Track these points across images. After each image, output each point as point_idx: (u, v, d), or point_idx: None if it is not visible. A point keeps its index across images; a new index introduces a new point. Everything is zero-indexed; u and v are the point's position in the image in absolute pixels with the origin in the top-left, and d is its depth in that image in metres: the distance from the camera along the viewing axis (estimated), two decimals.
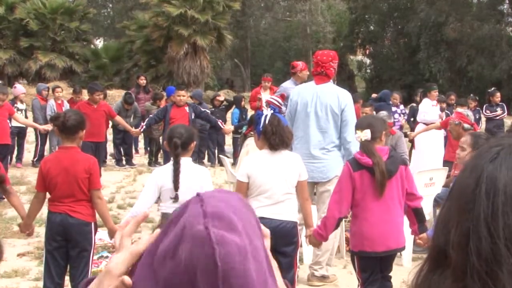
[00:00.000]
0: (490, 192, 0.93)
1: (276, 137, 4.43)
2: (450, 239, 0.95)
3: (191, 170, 4.60)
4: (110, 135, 12.94)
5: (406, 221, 4.54)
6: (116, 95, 23.25)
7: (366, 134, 4.33)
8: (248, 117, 12.06)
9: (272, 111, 4.57)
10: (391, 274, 4.58)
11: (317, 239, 4.50)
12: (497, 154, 0.96)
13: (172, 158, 4.62)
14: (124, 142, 13.56)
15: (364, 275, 4.44)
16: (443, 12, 31.39)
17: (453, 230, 0.95)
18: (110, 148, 13.52)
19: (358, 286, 4.56)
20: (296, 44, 38.62)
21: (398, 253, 6.45)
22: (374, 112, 9.10)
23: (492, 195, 0.93)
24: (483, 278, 0.91)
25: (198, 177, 4.58)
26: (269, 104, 8.02)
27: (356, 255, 4.49)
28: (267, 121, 4.47)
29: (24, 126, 12.26)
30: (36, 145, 13.06)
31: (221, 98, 14.57)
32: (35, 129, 12.39)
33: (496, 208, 0.92)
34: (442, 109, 12.05)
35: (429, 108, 11.71)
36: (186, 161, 4.60)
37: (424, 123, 11.23)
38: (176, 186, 4.53)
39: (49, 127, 10.34)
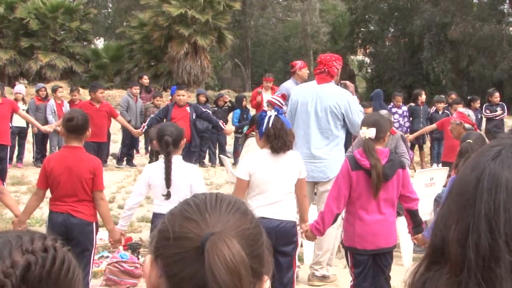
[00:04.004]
0: (492, 189, 0.93)
1: (279, 141, 4.41)
2: (449, 235, 0.95)
3: (181, 167, 4.69)
4: (110, 135, 12.93)
5: (403, 221, 4.56)
6: (116, 95, 23.25)
7: (371, 133, 4.32)
8: (249, 116, 12.09)
9: (275, 112, 4.55)
10: (391, 274, 4.60)
11: (314, 233, 4.55)
12: (499, 152, 0.97)
13: (163, 156, 4.67)
14: (132, 142, 13.56)
15: (356, 271, 4.50)
16: (448, 12, 31.33)
17: (453, 226, 0.95)
18: (110, 148, 13.51)
19: (351, 281, 4.60)
20: (296, 44, 38.53)
21: (398, 253, 6.48)
22: None
23: (494, 191, 0.93)
24: (480, 274, 0.91)
25: (187, 175, 4.69)
26: (270, 104, 8.08)
27: (349, 251, 4.56)
28: (270, 123, 4.41)
29: (25, 126, 12.32)
30: (33, 145, 13.09)
31: (226, 99, 14.55)
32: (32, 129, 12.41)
33: (498, 204, 0.92)
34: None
35: None
36: (176, 159, 4.69)
37: None
38: (168, 184, 4.59)
39: (51, 127, 10.36)
